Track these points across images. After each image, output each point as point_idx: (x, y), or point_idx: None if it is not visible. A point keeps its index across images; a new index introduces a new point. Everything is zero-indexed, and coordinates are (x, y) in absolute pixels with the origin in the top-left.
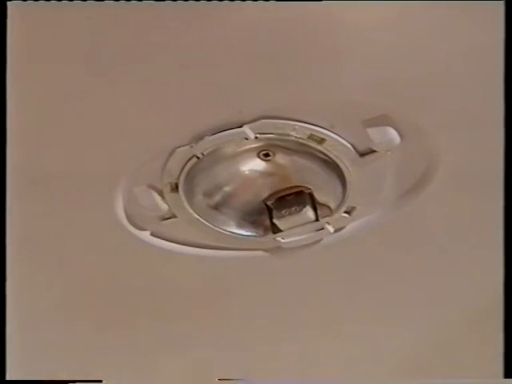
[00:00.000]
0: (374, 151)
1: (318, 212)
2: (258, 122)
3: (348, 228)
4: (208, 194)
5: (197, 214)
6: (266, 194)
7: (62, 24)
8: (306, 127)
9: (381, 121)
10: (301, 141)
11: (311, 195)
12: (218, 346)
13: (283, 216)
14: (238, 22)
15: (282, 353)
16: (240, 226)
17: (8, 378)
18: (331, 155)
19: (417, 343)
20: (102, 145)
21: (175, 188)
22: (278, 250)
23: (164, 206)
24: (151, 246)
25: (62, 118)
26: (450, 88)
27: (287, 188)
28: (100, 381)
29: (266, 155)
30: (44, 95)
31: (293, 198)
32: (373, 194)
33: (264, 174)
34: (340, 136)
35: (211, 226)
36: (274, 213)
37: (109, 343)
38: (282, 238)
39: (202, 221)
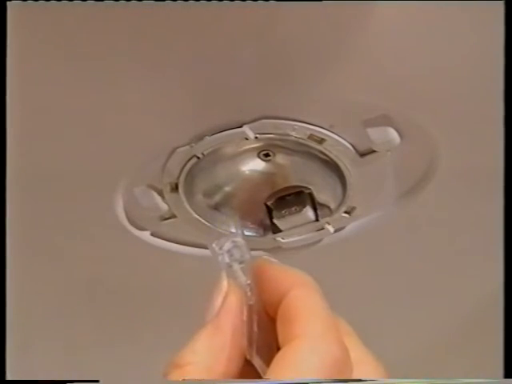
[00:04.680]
0: (374, 151)
1: (318, 212)
2: (257, 122)
3: (348, 228)
4: (208, 194)
5: (197, 213)
6: (266, 194)
7: (62, 24)
8: (305, 127)
9: (381, 121)
10: (301, 141)
11: (311, 195)
12: None
13: (283, 216)
14: (238, 22)
15: None
16: (240, 226)
17: (8, 378)
18: (331, 155)
19: (416, 343)
20: (102, 145)
21: (175, 188)
22: (277, 250)
23: (164, 206)
24: (151, 245)
25: (61, 118)
26: (449, 88)
27: (287, 188)
28: (97, 381)
29: (266, 155)
30: (44, 95)
31: (293, 198)
32: (373, 194)
33: (264, 174)
34: (340, 136)
35: (211, 226)
36: (274, 213)
37: (109, 343)
38: (282, 238)
39: (202, 221)
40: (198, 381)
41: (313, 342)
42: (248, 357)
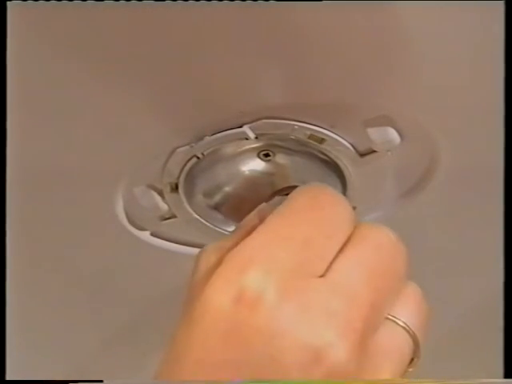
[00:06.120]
0: (374, 151)
1: None
2: (258, 122)
3: None
4: (208, 194)
5: (197, 213)
6: (265, 194)
7: (62, 24)
8: (305, 127)
9: (381, 121)
10: (301, 141)
11: None
12: None
13: None
14: (238, 22)
15: None
16: None
17: (8, 378)
18: (331, 155)
19: None
20: (102, 145)
21: (175, 188)
22: None
23: (164, 206)
24: (151, 245)
25: (61, 118)
26: (449, 88)
27: (287, 188)
28: (101, 381)
29: (266, 155)
30: (44, 95)
31: None
32: (373, 194)
33: (264, 174)
34: (340, 136)
35: (211, 226)
36: None
37: (109, 343)
38: None
39: (202, 221)
40: (196, 380)
41: None
42: None
